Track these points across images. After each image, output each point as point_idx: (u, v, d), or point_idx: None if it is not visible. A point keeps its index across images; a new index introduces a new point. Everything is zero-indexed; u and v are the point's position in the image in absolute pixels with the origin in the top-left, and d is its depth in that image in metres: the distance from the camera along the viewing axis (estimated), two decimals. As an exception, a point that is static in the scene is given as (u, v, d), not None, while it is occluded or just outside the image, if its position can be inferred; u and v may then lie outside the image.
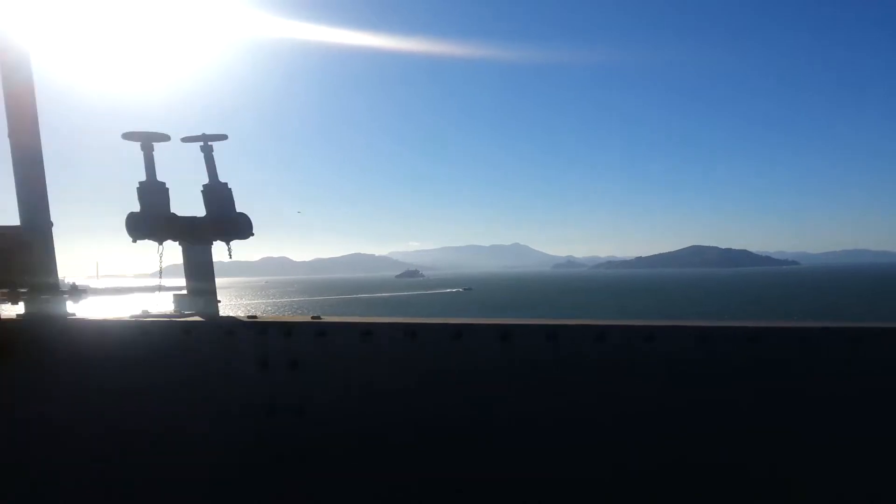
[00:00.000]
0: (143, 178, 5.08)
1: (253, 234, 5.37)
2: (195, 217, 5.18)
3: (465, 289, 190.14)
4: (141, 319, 4.60)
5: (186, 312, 4.81)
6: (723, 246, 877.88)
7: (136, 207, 4.97)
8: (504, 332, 3.23)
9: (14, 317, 4.71)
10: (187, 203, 5.24)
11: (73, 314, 4.88)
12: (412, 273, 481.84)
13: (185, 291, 5.25)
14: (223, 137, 5.29)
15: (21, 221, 4.87)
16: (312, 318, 3.82)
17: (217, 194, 5.12)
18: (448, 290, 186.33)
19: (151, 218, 5.02)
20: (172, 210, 5.16)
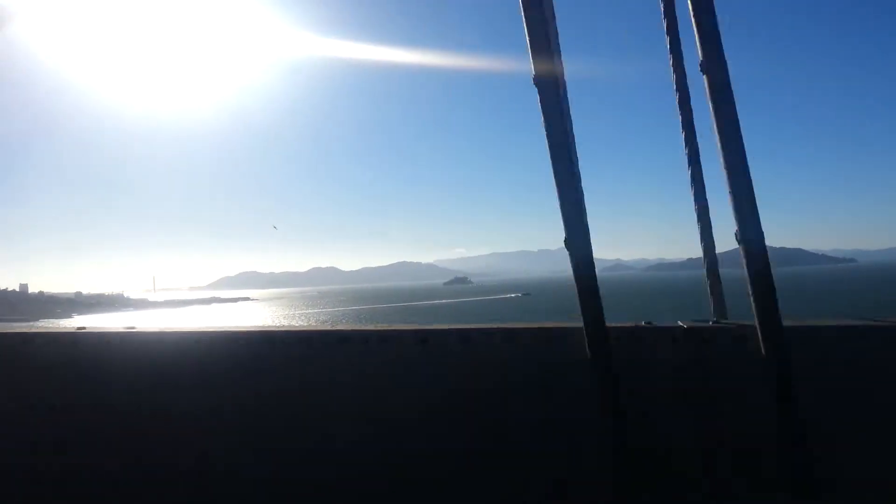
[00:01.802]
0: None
1: None
2: None
3: (523, 294, 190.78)
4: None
5: None
6: (776, 245, 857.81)
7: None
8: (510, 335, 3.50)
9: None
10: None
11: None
12: (461, 280, 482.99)
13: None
14: None
15: None
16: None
17: None
18: (507, 296, 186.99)
19: None
20: None
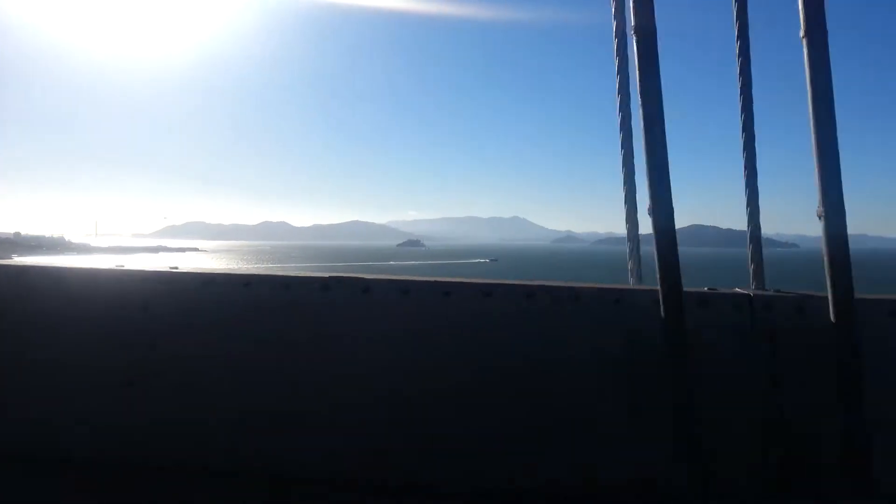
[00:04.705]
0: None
1: None
2: None
3: (491, 260, 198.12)
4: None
5: None
6: (723, 226, 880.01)
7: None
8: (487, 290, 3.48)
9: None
10: None
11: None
12: (414, 242, 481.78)
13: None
14: None
15: None
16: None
17: None
18: (475, 261, 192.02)
19: None
20: None
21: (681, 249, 3.16)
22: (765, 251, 3.83)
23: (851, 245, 3.02)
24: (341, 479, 3.54)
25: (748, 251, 3.93)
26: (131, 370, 3.77)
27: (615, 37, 3.95)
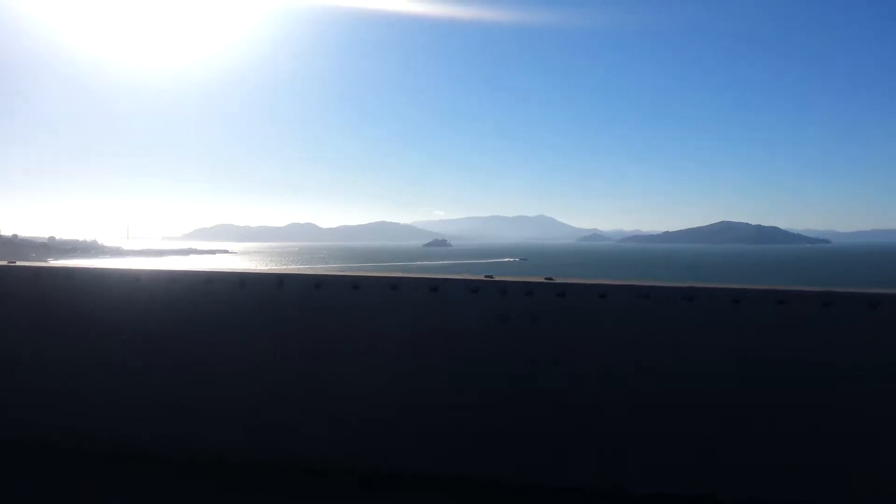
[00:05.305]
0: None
1: None
2: None
3: (521, 259, 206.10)
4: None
5: None
6: (753, 222, 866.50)
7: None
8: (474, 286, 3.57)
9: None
10: None
11: None
12: (440, 242, 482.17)
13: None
14: None
15: None
16: (546, 278, 3.77)
17: None
18: (505, 260, 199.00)
19: None
20: None
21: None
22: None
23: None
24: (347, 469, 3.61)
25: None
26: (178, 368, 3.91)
27: None
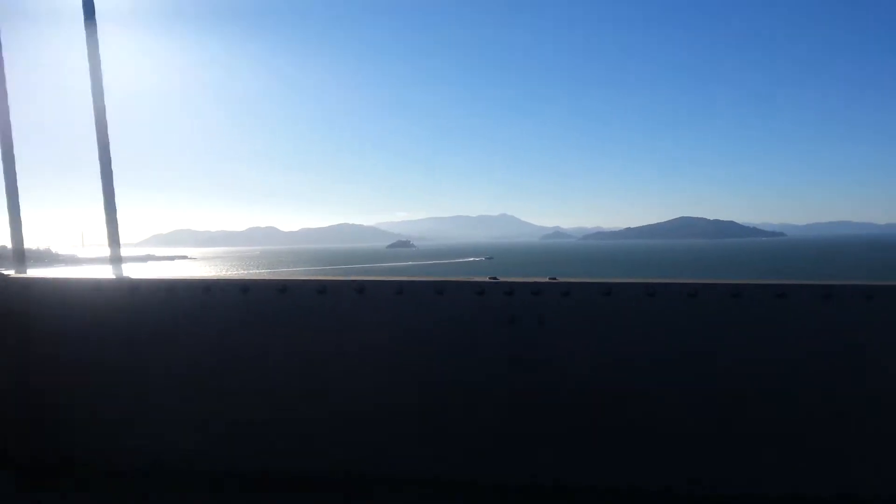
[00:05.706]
0: None
1: None
2: None
3: (486, 258, 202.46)
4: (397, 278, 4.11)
5: None
6: (711, 217, 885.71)
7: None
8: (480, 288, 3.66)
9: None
10: None
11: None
12: (403, 243, 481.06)
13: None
14: None
15: None
16: (550, 279, 3.78)
17: None
18: (470, 259, 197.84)
19: None
20: None
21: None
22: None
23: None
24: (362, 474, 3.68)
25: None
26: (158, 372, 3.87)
27: None
